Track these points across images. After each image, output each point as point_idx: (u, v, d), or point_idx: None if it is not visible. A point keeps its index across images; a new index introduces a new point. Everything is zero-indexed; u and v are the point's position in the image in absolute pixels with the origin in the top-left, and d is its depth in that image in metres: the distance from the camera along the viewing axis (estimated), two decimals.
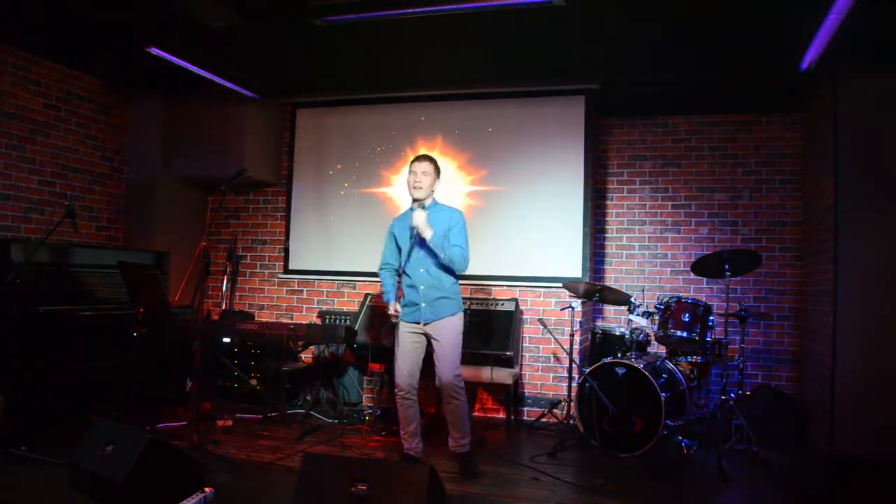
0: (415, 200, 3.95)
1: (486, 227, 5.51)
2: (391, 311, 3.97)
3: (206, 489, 3.09)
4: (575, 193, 5.38)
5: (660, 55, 4.71)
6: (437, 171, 4.00)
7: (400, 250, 4.04)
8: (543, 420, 5.12)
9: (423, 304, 3.88)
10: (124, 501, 2.86)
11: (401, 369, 3.92)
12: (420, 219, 3.80)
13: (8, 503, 3.13)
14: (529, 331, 5.48)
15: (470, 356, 4.53)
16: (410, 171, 3.95)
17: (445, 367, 3.87)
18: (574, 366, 4.84)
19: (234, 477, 3.62)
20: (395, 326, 4.00)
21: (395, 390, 3.95)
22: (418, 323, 3.91)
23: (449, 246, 3.84)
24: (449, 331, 3.90)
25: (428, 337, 3.94)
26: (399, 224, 4.08)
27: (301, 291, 6.17)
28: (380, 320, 5.17)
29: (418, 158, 3.99)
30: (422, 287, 3.89)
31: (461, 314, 3.99)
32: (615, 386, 4.31)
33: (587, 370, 4.47)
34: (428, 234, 3.79)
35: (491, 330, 5.17)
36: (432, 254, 3.87)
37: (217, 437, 4.41)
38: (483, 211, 5.60)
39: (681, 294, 4.95)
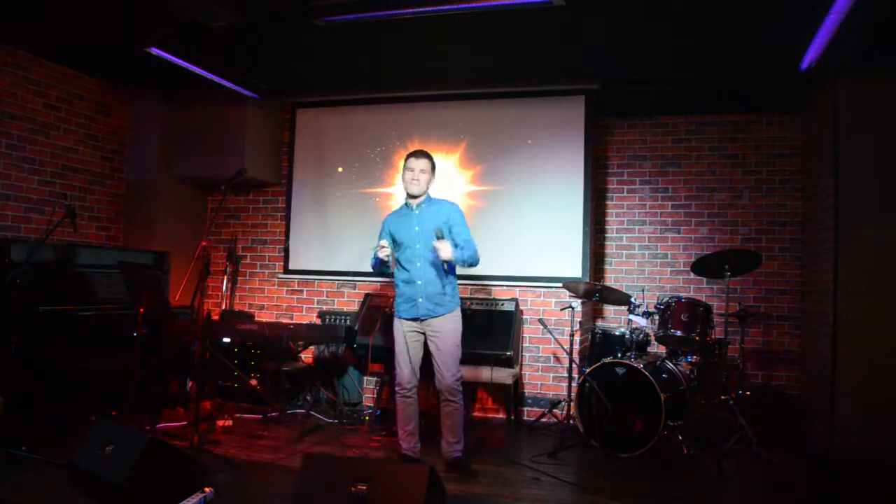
0: (410, 196, 3.95)
1: (486, 227, 5.51)
2: (381, 250, 3.76)
3: (206, 489, 3.10)
4: (575, 193, 5.38)
5: (660, 55, 4.72)
6: (434, 167, 3.99)
7: (394, 246, 4.00)
8: (543, 420, 5.11)
9: (421, 300, 3.85)
10: (124, 501, 2.86)
11: (402, 367, 3.89)
12: (446, 252, 3.70)
13: (8, 503, 3.13)
14: (529, 331, 5.48)
15: (470, 356, 4.53)
16: (407, 168, 3.92)
17: (446, 368, 3.84)
18: (574, 366, 4.84)
19: (234, 477, 3.62)
20: (391, 321, 3.97)
21: (397, 388, 3.93)
22: (417, 319, 3.88)
23: (461, 250, 3.82)
24: (448, 329, 3.87)
25: (425, 335, 3.92)
26: (395, 219, 4.03)
27: (301, 291, 6.17)
28: (379, 320, 5.17)
29: (415, 155, 3.95)
30: (419, 282, 3.86)
31: (459, 312, 3.95)
32: (615, 386, 4.31)
33: (587, 370, 4.47)
34: (448, 254, 3.71)
35: (491, 330, 5.16)
36: (431, 247, 3.83)
37: (217, 437, 4.41)
38: (483, 211, 5.60)
39: (681, 294, 4.95)
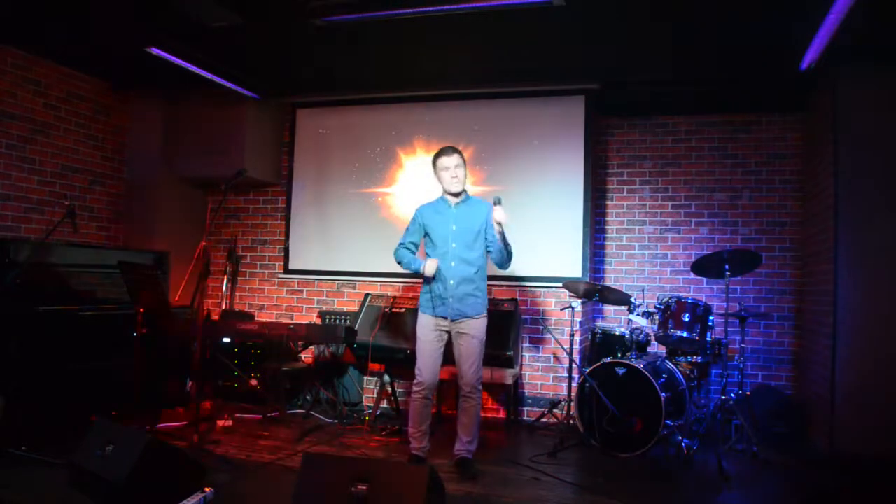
0: (451, 194, 3.89)
1: None
2: (430, 267, 3.76)
3: (206, 489, 3.10)
4: (575, 193, 5.38)
5: (660, 55, 4.71)
6: (465, 160, 3.93)
7: (423, 240, 3.96)
8: (543, 420, 5.12)
9: (451, 299, 3.79)
10: (124, 501, 2.86)
11: (424, 366, 3.82)
12: (502, 215, 3.69)
13: (8, 503, 3.13)
14: (529, 331, 5.48)
15: None
16: (441, 168, 3.85)
17: (471, 367, 3.81)
18: (574, 366, 4.84)
19: (234, 477, 3.62)
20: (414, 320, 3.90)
21: (416, 388, 3.84)
22: (445, 318, 3.82)
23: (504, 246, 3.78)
24: (477, 331, 3.83)
25: (451, 334, 3.86)
26: (430, 213, 3.93)
27: (301, 291, 6.17)
28: (379, 320, 5.17)
29: (446, 152, 3.87)
30: (452, 281, 3.80)
31: (486, 315, 3.92)
32: (615, 386, 4.31)
33: (587, 370, 4.47)
34: (504, 217, 3.69)
35: (491, 330, 5.14)
36: (466, 247, 3.81)
37: (217, 437, 4.41)
38: None
39: (681, 294, 4.94)
